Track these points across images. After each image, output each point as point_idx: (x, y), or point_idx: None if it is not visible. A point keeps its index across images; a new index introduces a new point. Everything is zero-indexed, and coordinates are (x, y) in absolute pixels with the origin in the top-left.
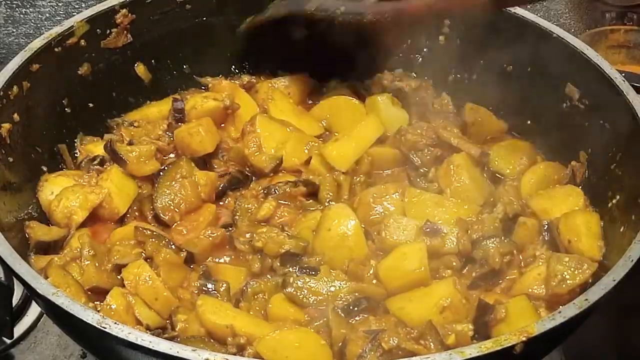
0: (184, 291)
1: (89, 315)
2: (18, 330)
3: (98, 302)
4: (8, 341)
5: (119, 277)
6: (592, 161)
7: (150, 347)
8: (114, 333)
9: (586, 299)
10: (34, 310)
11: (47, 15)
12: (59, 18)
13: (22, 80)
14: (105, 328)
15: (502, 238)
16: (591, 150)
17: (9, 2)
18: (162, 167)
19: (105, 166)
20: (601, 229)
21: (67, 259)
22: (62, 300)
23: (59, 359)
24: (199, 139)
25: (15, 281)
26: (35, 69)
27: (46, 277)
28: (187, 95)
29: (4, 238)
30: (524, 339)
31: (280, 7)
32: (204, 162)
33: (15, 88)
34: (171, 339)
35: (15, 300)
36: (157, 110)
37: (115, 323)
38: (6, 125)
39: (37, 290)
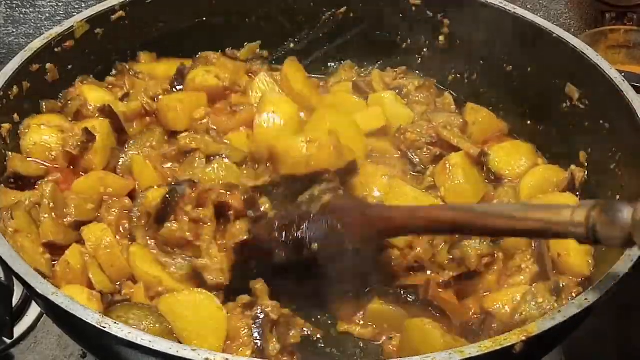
0: None
1: (88, 315)
2: (18, 330)
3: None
4: (8, 341)
5: (77, 233)
6: (592, 161)
7: (150, 346)
8: (113, 333)
9: (586, 299)
10: (34, 310)
11: (47, 15)
12: (59, 18)
13: (22, 80)
14: (105, 328)
15: (482, 240)
16: (591, 150)
17: (9, 2)
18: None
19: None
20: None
21: (33, 201)
22: (62, 300)
23: (59, 359)
24: (174, 115)
25: (15, 281)
26: (35, 69)
27: (12, 218)
28: (199, 64)
29: (4, 238)
30: (523, 338)
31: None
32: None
33: (15, 88)
34: (121, 301)
35: (15, 300)
36: (165, 69)
37: (115, 323)
38: (6, 126)
39: (37, 290)
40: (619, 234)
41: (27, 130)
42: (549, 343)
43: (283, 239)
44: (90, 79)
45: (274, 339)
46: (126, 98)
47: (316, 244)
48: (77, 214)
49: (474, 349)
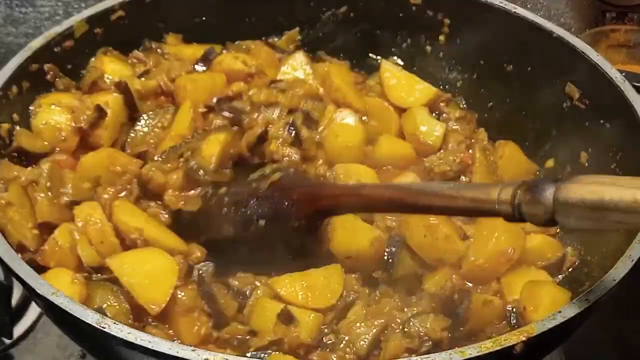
0: None
1: (88, 316)
2: (18, 330)
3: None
4: (8, 341)
5: (72, 212)
6: (592, 161)
7: (150, 347)
8: (113, 333)
9: (586, 299)
10: (34, 310)
11: (47, 15)
12: (58, 18)
13: (21, 80)
14: (104, 328)
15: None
16: (591, 150)
17: (8, 1)
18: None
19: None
20: None
21: (30, 179)
22: (61, 300)
23: None
24: (183, 94)
25: (15, 281)
26: (35, 69)
27: (5, 190)
28: (231, 49)
29: (3, 238)
30: (524, 338)
31: None
32: None
33: (14, 88)
34: (110, 280)
35: (15, 300)
36: (193, 52)
37: (115, 323)
38: (5, 126)
39: (36, 291)
40: (542, 212)
41: (38, 109)
42: (549, 343)
43: (231, 215)
44: (114, 52)
45: None
46: (145, 75)
47: (263, 221)
48: (74, 194)
49: (474, 350)
